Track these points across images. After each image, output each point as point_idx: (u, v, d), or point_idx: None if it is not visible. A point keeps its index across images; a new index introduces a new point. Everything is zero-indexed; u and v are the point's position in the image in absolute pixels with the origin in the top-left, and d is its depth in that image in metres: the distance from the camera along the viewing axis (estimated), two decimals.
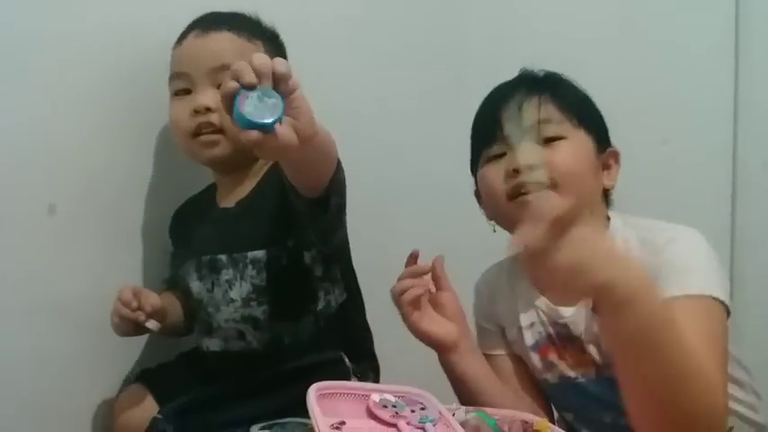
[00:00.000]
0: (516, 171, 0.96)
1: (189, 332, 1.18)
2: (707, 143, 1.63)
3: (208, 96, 1.07)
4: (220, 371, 1.10)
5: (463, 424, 0.80)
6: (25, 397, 1.09)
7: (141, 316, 1.03)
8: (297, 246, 1.06)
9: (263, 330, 1.07)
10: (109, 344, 1.15)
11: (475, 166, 1.06)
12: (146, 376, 1.14)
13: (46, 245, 1.12)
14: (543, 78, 1.05)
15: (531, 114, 0.99)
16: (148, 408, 1.08)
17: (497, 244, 1.09)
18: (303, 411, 0.75)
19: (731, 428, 1.00)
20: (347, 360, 1.04)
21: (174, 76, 1.10)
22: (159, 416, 0.98)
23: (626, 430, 1.02)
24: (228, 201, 1.13)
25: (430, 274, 1.02)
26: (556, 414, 1.08)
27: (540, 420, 0.85)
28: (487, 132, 1.03)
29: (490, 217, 1.06)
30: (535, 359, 1.03)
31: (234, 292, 1.07)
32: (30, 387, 1.10)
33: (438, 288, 1.03)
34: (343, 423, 0.72)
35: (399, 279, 1.01)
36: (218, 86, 0.97)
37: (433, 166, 1.37)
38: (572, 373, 1.00)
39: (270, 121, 0.72)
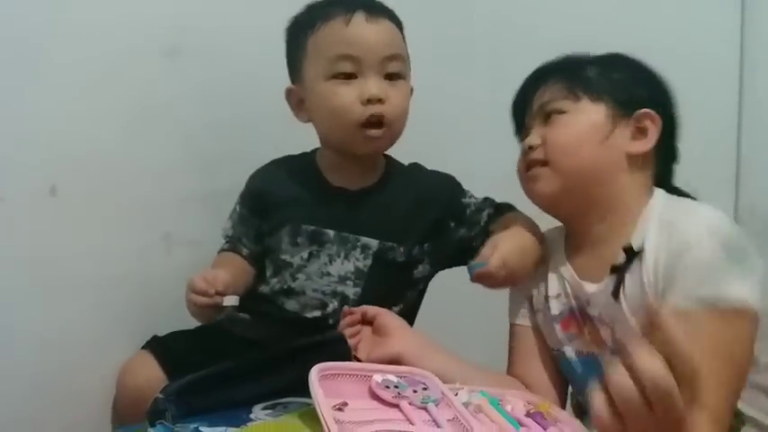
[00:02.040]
0: (524, 153, 1.05)
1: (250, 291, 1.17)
2: (711, 124, 1.62)
3: (380, 86, 1.05)
4: (284, 332, 1.09)
5: (466, 404, 0.81)
6: (27, 378, 1.09)
7: (219, 299, 1.02)
8: (419, 255, 1.12)
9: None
10: (111, 325, 1.17)
11: None
12: (154, 343, 1.15)
13: (47, 226, 1.11)
14: (557, 63, 1.08)
15: (538, 100, 1.05)
16: (153, 374, 1.09)
17: None
18: (305, 390, 0.76)
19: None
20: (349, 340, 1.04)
21: (342, 57, 1.05)
22: (161, 395, 0.98)
23: None
24: (347, 183, 1.14)
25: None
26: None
27: (541, 402, 0.85)
28: (516, 120, 1.11)
29: None
30: (557, 329, 1.04)
31: (333, 267, 1.10)
32: (32, 367, 1.10)
33: (370, 318, 1.04)
34: (345, 404, 0.72)
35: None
36: (385, 76, 1.06)
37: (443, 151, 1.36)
38: (588, 349, 1.02)
39: None
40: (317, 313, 1.10)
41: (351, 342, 0.98)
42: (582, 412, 1.07)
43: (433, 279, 1.19)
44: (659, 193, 1.01)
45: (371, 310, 1.04)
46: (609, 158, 1.01)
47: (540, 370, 1.07)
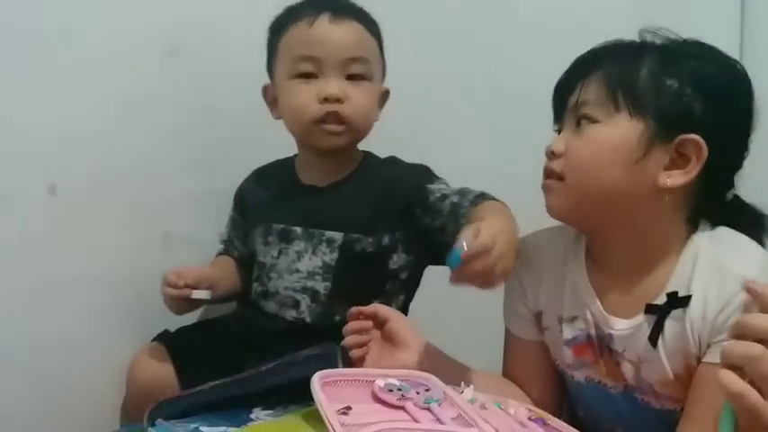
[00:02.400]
0: (548, 156, 0.92)
1: (246, 294, 1.20)
2: None
3: (338, 86, 1.07)
4: (270, 336, 1.11)
5: (471, 401, 0.80)
6: (27, 377, 1.10)
7: (188, 291, 1.09)
8: (391, 245, 1.10)
9: (319, 304, 1.10)
10: (110, 324, 1.17)
11: None
12: (164, 336, 1.16)
13: (46, 225, 1.11)
14: (612, 49, 0.92)
15: (577, 95, 0.90)
16: (164, 364, 1.11)
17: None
18: (302, 400, 0.77)
19: None
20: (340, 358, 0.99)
21: (303, 58, 1.08)
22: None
23: None
24: (316, 180, 1.15)
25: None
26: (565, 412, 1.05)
27: (540, 411, 0.85)
28: (553, 107, 0.96)
29: None
30: (567, 354, 0.97)
31: (301, 263, 1.11)
32: (31, 366, 1.10)
33: (383, 323, 0.98)
34: (349, 408, 0.72)
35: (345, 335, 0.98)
36: (347, 76, 1.07)
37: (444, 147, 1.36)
38: (600, 379, 0.96)
39: None
40: (293, 313, 1.11)
41: (356, 353, 0.96)
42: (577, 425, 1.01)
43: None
44: (703, 227, 0.90)
45: (382, 311, 0.98)
46: (634, 186, 0.87)
47: (540, 388, 1.02)
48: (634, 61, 0.89)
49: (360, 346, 0.96)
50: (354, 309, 1.00)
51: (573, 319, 0.96)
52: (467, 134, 1.48)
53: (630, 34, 1.55)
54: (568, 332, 0.96)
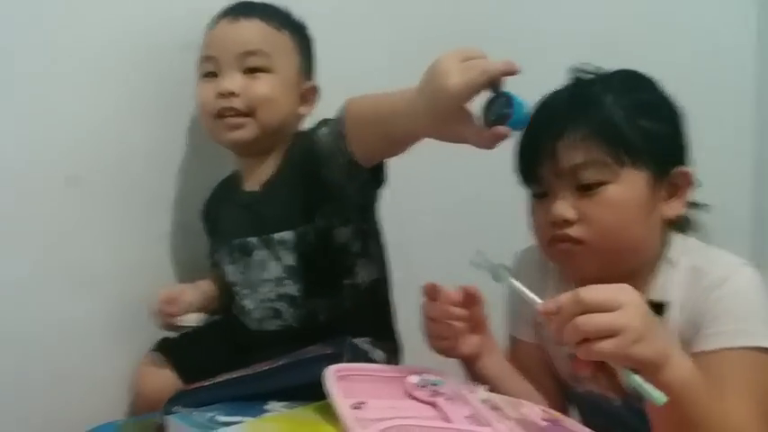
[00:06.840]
0: (553, 223, 0.91)
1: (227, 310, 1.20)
2: (728, 125, 1.60)
3: (233, 81, 1.07)
4: (256, 349, 1.09)
5: (485, 401, 0.80)
6: (44, 365, 1.11)
7: (176, 320, 1.11)
8: (328, 224, 1.06)
9: (299, 307, 1.08)
10: (128, 313, 1.18)
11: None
12: (165, 345, 1.16)
13: (68, 215, 1.13)
14: (575, 103, 0.91)
15: (567, 159, 0.89)
16: (166, 377, 1.10)
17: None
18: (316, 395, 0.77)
19: None
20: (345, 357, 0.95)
21: (203, 59, 1.11)
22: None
23: None
24: (253, 184, 1.13)
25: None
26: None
27: (553, 412, 0.85)
28: (526, 169, 0.95)
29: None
30: (568, 367, 1.00)
31: (267, 272, 1.08)
32: (51, 357, 1.12)
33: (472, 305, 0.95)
34: (362, 403, 0.72)
35: (429, 316, 0.94)
36: (244, 71, 1.07)
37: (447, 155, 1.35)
38: (601, 392, 0.97)
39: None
40: (278, 322, 1.10)
41: (444, 345, 0.94)
42: None
43: None
44: (676, 239, 0.95)
45: (469, 297, 0.93)
46: (651, 230, 0.92)
47: (546, 391, 1.01)
48: (608, 110, 0.89)
49: (446, 337, 0.94)
50: (429, 285, 0.94)
51: None
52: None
53: (645, 33, 1.55)
54: None
